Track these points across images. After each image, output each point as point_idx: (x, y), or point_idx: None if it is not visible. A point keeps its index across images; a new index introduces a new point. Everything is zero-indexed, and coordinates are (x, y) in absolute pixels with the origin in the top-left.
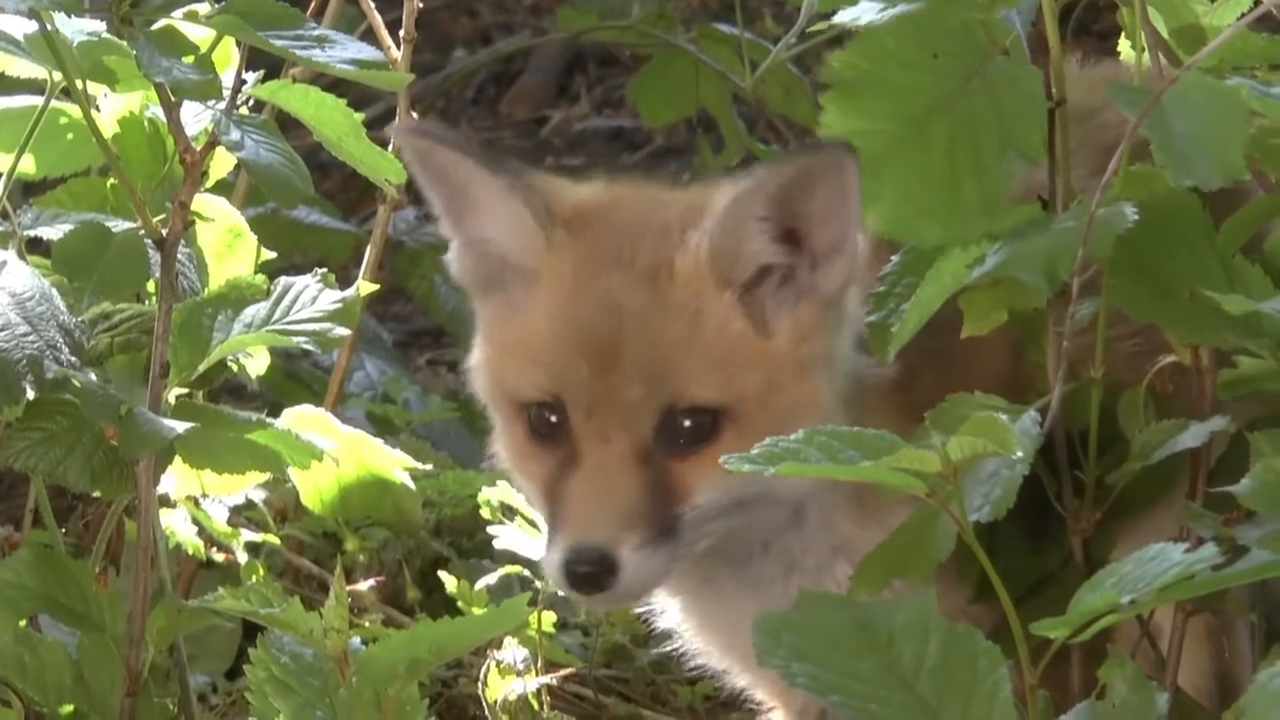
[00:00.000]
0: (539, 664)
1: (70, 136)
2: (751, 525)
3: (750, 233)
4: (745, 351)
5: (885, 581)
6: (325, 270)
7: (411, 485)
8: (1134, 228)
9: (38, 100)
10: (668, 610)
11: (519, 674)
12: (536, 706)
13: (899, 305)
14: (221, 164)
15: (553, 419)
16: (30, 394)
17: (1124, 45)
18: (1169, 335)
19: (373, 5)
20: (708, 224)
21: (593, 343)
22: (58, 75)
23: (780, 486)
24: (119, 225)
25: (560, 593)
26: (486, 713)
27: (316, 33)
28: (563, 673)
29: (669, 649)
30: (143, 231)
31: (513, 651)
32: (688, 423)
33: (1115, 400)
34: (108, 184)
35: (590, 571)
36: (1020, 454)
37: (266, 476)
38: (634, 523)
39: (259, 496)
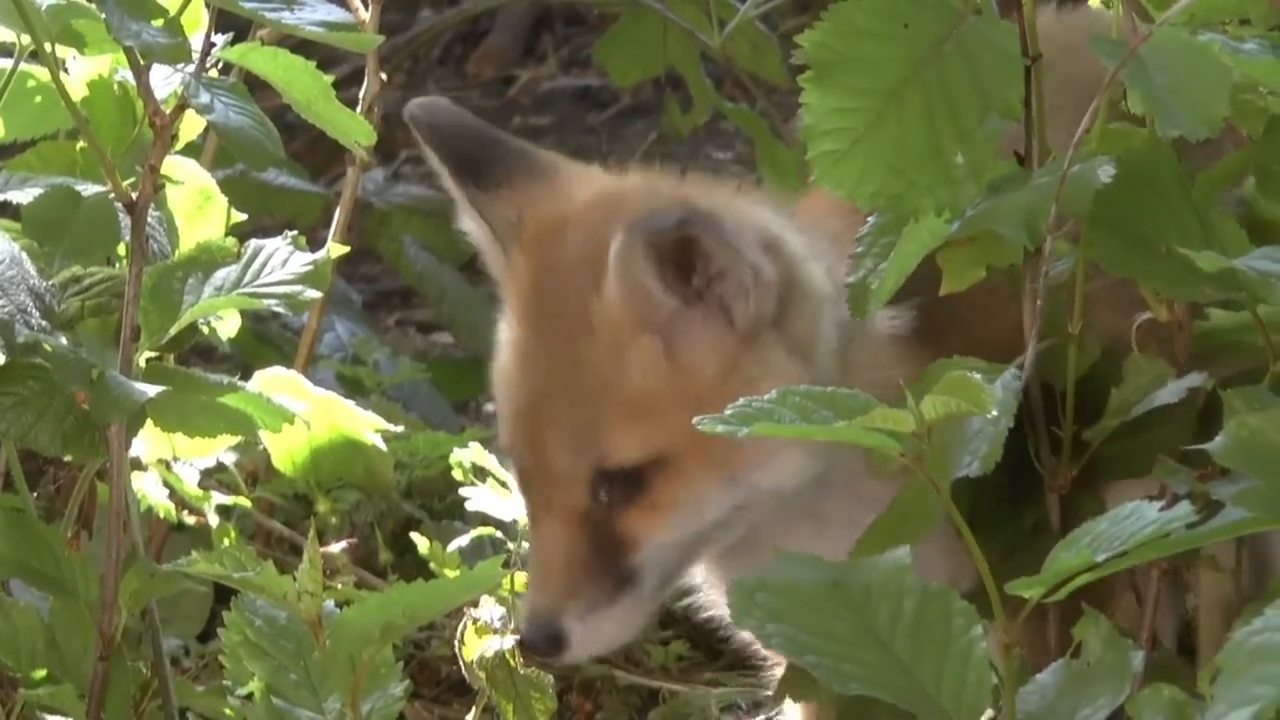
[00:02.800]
0: (513, 624)
1: (39, 100)
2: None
3: (650, 274)
4: (669, 396)
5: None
6: (295, 233)
7: (383, 447)
8: (1111, 184)
9: (6, 63)
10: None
11: (496, 632)
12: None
13: (877, 265)
14: (190, 127)
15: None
16: (1, 358)
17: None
18: (1145, 290)
19: None
20: (612, 264)
21: (524, 405)
22: (26, 38)
23: (758, 497)
24: (89, 189)
25: None
26: (463, 672)
27: None
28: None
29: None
30: (112, 195)
31: (489, 610)
32: (619, 480)
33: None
34: (77, 147)
35: (539, 644)
36: (995, 412)
37: (238, 439)
38: (578, 589)
39: (230, 459)
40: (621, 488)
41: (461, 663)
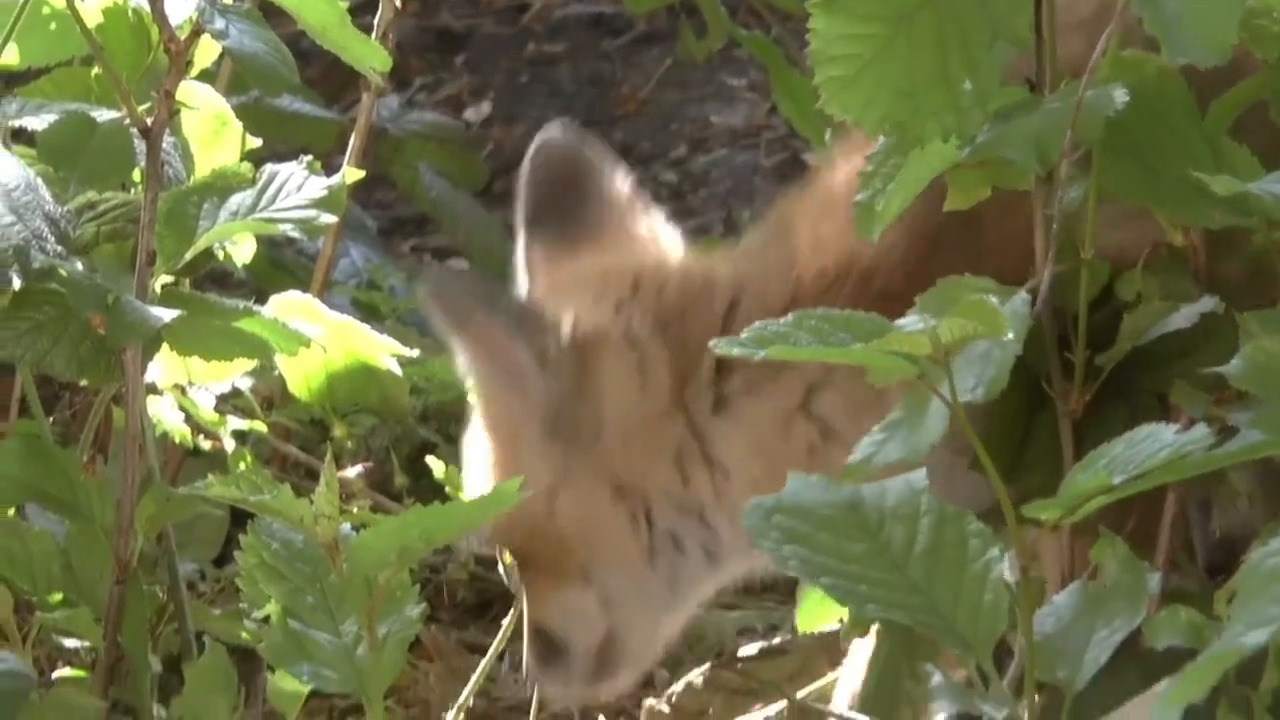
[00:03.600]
0: None
1: (53, 26)
2: None
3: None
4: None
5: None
6: (310, 158)
7: (398, 371)
8: (1123, 110)
9: None
10: None
11: None
12: None
13: (885, 185)
14: (205, 53)
15: None
16: (16, 284)
17: None
18: (1159, 217)
19: None
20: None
21: None
22: None
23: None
24: (104, 115)
25: None
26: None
27: None
28: None
29: None
30: (128, 121)
31: None
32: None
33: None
34: (91, 74)
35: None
36: (1010, 335)
37: (253, 364)
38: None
39: (245, 384)
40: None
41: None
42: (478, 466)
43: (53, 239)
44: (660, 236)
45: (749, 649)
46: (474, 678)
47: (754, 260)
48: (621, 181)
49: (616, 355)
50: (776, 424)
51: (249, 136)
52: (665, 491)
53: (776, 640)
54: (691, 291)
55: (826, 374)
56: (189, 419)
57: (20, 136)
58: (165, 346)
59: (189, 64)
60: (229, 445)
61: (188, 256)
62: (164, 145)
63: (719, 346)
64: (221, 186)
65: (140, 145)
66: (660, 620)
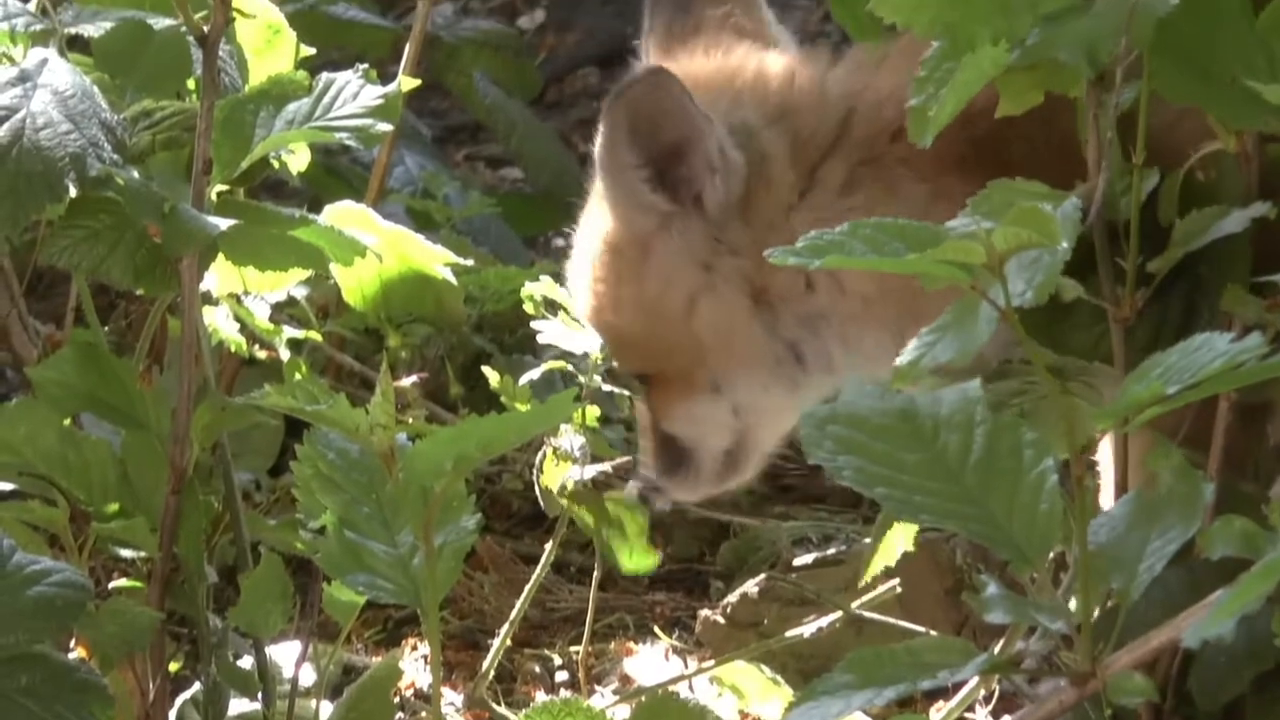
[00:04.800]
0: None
1: None
2: None
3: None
4: (641, 325)
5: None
6: (366, 66)
7: (453, 281)
8: (1174, 12)
9: None
10: None
11: (575, 461)
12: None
13: (938, 90)
14: None
15: None
16: (73, 191)
17: None
18: (1211, 120)
19: None
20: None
21: None
22: None
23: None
24: (160, 22)
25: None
26: (541, 502)
27: None
28: (613, 463)
29: None
30: (184, 28)
31: (569, 439)
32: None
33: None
34: None
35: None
36: (1065, 244)
37: (308, 273)
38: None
39: (301, 293)
40: (641, 381)
41: (539, 491)
42: (599, 291)
43: (109, 147)
44: (769, 32)
45: (804, 559)
46: (529, 588)
47: (869, 77)
48: None
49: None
50: None
51: (303, 45)
52: (789, 297)
53: (831, 551)
54: (806, 94)
55: (928, 199)
56: (244, 328)
57: (76, 44)
58: (221, 256)
59: None
60: (284, 354)
61: (244, 165)
62: (220, 53)
63: (773, 256)
64: (277, 95)
65: (196, 53)
66: (783, 420)
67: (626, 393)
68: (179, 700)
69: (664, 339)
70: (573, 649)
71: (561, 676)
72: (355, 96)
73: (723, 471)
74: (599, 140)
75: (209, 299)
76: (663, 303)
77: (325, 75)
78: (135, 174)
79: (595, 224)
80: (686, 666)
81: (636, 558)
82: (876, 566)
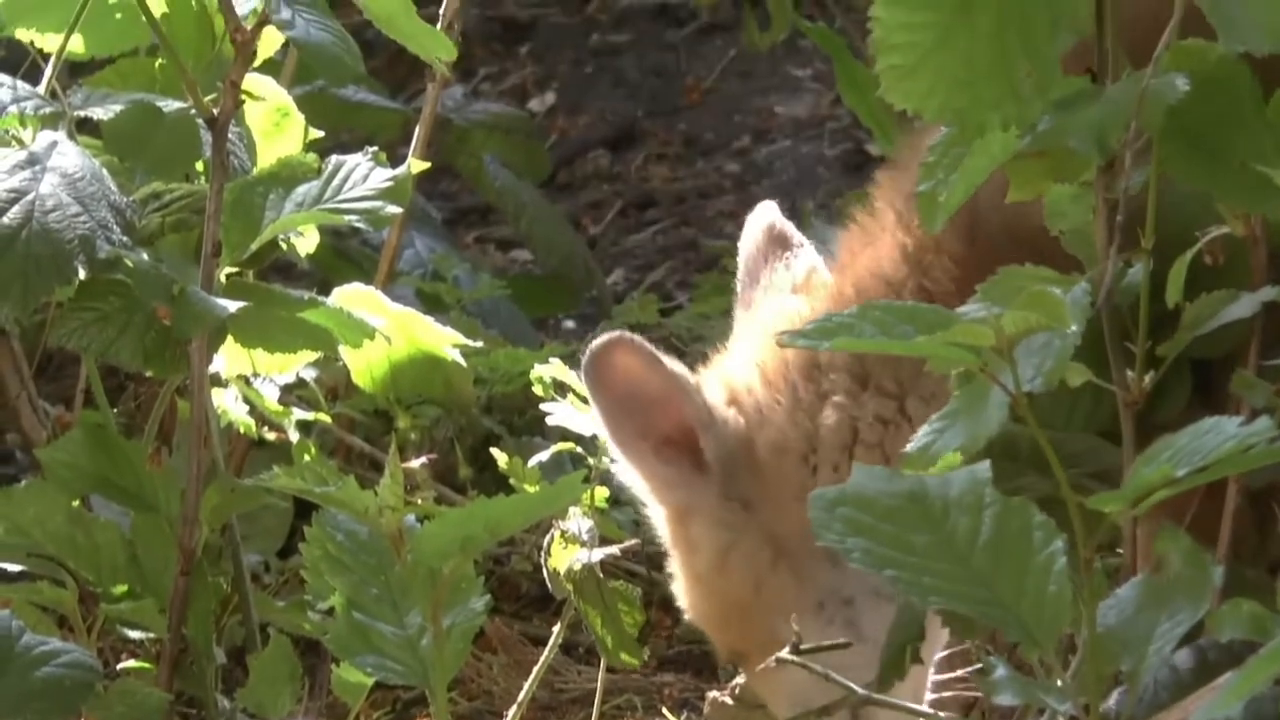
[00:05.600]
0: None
1: (119, 16)
2: None
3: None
4: (706, 600)
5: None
6: (376, 149)
7: (463, 362)
8: (1185, 99)
9: None
10: None
11: (583, 545)
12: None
13: (948, 175)
14: (269, 43)
15: None
16: (82, 274)
17: None
18: (1220, 206)
19: None
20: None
21: None
22: None
23: None
24: (170, 104)
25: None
26: (548, 583)
27: None
28: (620, 546)
29: None
30: (193, 111)
31: (577, 522)
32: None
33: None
34: (156, 64)
35: None
36: (1073, 327)
37: (318, 355)
38: None
39: (310, 375)
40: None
41: (546, 574)
42: (675, 570)
43: (118, 229)
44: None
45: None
46: (537, 669)
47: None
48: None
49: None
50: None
51: (312, 127)
52: (804, 541)
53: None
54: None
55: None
56: (253, 410)
57: (86, 126)
58: (230, 337)
59: (253, 54)
60: (293, 436)
61: (253, 247)
62: (229, 136)
63: (782, 339)
64: (287, 177)
65: (206, 135)
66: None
67: None
68: None
69: (720, 607)
70: None
71: None
72: (365, 179)
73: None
74: (605, 424)
75: (218, 381)
76: (705, 569)
77: (335, 158)
78: (145, 256)
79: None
80: None
81: (622, 652)
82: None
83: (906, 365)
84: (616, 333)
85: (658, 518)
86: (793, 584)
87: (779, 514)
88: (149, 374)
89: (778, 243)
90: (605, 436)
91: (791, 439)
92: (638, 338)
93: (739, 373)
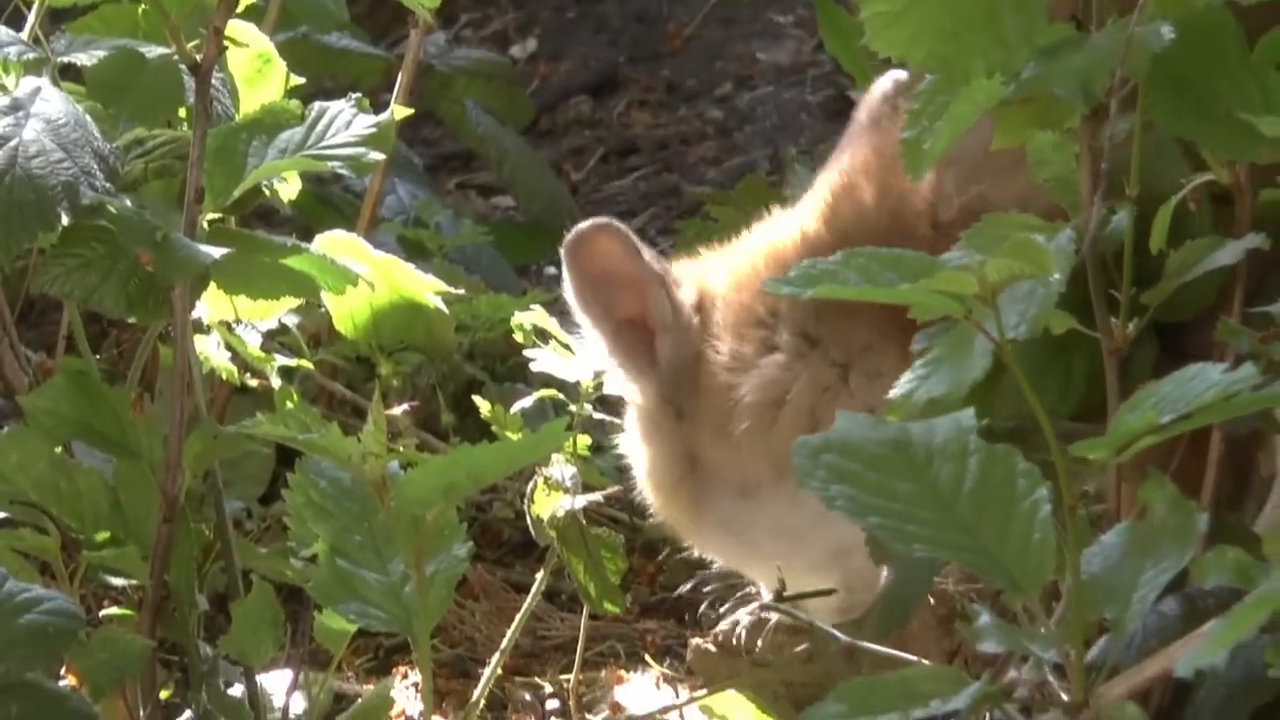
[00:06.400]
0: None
1: None
2: None
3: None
4: None
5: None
6: (359, 95)
7: (444, 309)
8: (1170, 46)
9: None
10: None
11: (566, 492)
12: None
13: (932, 123)
14: None
15: None
16: (65, 220)
17: None
18: (1205, 153)
19: None
20: None
21: None
22: None
23: None
24: (153, 51)
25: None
26: (531, 531)
27: None
28: (603, 493)
29: None
30: (177, 57)
31: (560, 469)
32: None
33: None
34: (139, 10)
35: None
36: (1057, 275)
37: (300, 301)
38: None
39: (292, 321)
40: None
41: (530, 521)
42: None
43: (101, 175)
44: None
45: None
46: (520, 616)
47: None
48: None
49: None
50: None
51: (295, 74)
52: (718, 472)
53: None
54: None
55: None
56: (236, 356)
57: (69, 73)
58: (213, 284)
59: (236, 0)
60: (276, 383)
61: (236, 194)
62: (213, 82)
63: (768, 285)
64: (270, 123)
65: (189, 82)
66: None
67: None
68: None
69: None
70: (564, 677)
71: (552, 705)
72: (348, 125)
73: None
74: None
75: (200, 327)
76: (636, 450)
77: (318, 104)
78: (128, 203)
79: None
80: (677, 695)
81: (605, 599)
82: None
83: (859, 338)
84: (604, 219)
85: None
86: (692, 504)
87: (702, 436)
88: (131, 320)
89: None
90: (573, 308)
91: (731, 374)
92: (624, 227)
93: (718, 278)
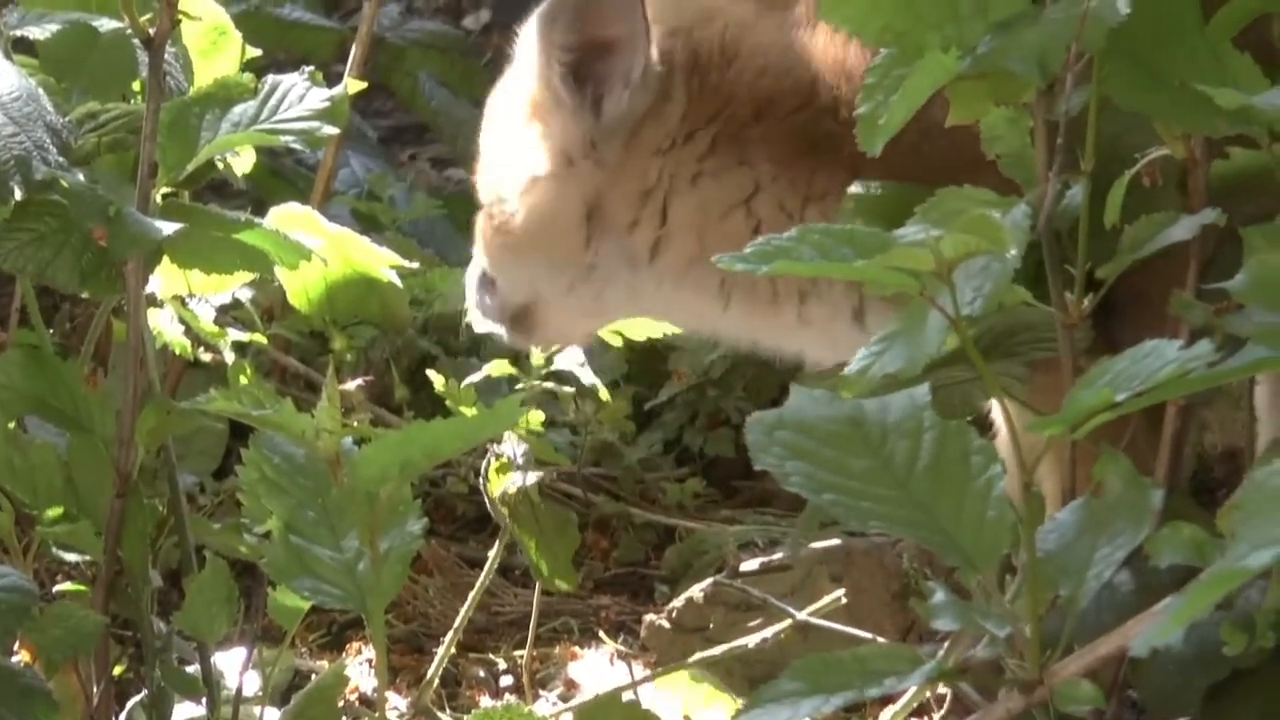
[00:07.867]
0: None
1: None
2: None
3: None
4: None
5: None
6: (312, 68)
7: (398, 283)
8: (1126, 20)
9: None
10: None
11: (519, 469)
12: (536, 501)
13: (887, 97)
14: None
15: None
16: (18, 194)
17: None
18: (1160, 127)
19: None
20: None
21: None
22: None
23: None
24: (105, 24)
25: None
26: (488, 507)
27: None
28: (556, 469)
29: (657, 448)
30: (129, 30)
31: (512, 446)
32: None
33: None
34: None
35: None
36: (1014, 250)
37: (253, 276)
38: None
39: (246, 296)
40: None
41: (486, 498)
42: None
43: (54, 149)
44: None
45: (750, 564)
46: (474, 592)
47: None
48: None
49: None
50: (724, 209)
51: (249, 47)
52: (616, 227)
53: (778, 555)
54: (734, 53)
55: (770, 179)
56: (189, 331)
57: (21, 46)
58: (166, 258)
59: None
60: (229, 358)
61: (189, 168)
62: (166, 56)
63: (721, 261)
64: (223, 97)
65: (142, 56)
66: (578, 321)
67: (571, 391)
68: (129, 705)
69: (497, 190)
70: (517, 653)
71: (506, 681)
72: (301, 99)
73: (511, 324)
74: (543, 6)
75: (154, 302)
76: (513, 160)
77: (271, 77)
78: (81, 177)
79: (512, 82)
80: (631, 671)
81: (557, 577)
82: None
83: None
84: None
85: (516, 88)
86: (576, 248)
87: (613, 193)
88: (85, 295)
89: None
90: (539, 18)
91: (657, 161)
92: None
93: (677, 40)
